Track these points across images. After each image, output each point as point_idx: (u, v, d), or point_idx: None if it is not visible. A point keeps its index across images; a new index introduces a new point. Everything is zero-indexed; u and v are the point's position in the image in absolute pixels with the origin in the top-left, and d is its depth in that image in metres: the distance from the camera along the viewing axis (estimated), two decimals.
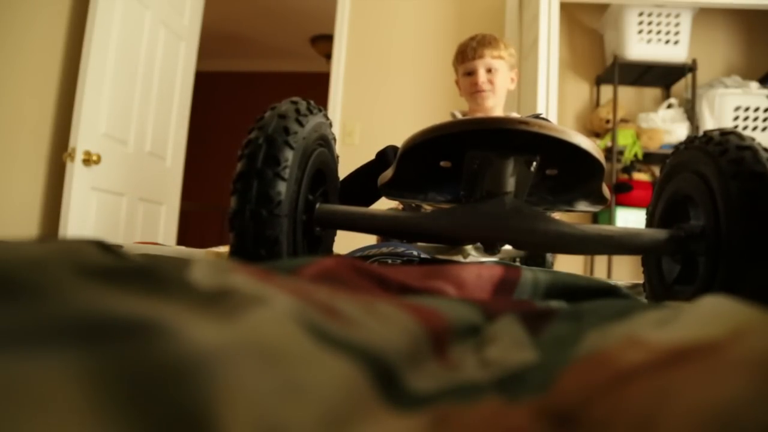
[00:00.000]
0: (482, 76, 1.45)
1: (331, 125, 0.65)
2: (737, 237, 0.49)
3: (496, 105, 1.49)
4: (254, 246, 0.50)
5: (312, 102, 0.59)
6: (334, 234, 0.70)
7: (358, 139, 2.54)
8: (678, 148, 0.62)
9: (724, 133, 0.54)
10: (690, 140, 0.59)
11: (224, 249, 1.16)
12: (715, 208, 0.52)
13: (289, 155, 0.51)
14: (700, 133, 0.59)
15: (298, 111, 0.55)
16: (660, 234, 0.58)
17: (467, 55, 1.48)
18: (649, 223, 0.68)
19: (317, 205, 0.59)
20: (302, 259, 0.40)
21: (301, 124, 0.54)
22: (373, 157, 1.09)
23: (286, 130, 0.52)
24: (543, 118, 0.61)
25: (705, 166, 0.54)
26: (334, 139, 0.67)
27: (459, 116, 1.53)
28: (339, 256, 0.65)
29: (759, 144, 0.52)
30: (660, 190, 0.65)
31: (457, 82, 1.55)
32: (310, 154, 0.57)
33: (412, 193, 0.67)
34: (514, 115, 1.54)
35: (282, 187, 0.50)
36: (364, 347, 0.22)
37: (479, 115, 1.50)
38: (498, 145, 0.54)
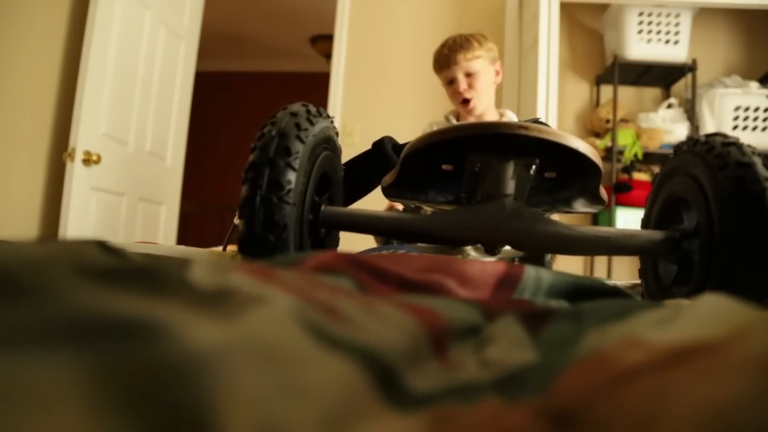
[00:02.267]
0: (462, 83, 1.40)
1: (337, 134, 0.67)
2: (728, 226, 0.50)
3: (487, 107, 1.45)
4: (263, 231, 0.51)
5: (321, 107, 0.62)
6: (338, 238, 0.72)
7: (358, 139, 2.54)
8: (668, 157, 0.64)
9: (710, 134, 0.56)
10: (678, 147, 0.62)
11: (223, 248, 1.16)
12: (707, 202, 0.54)
13: (299, 148, 0.54)
14: (699, 133, 0.61)
15: (308, 111, 0.58)
16: (656, 235, 0.60)
17: (442, 64, 1.42)
18: (644, 229, 0.69)
19: (323, 207, 0.60)
20: (300, 254, 0.41)
21: (312, 123, 0.57)
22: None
23: (298, 126, 0.55)
24: (542, 123, 0.62)
25: (694, 166, 0.56)
26: (340, 150, 0.69)
27: (453, 121, 1.50)
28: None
29: (743, 142, 0.54)
30: (653, 197, 0.67)
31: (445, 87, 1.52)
32: (318, 155, 0.59)
33: (414, 194, 0.69)
34: (509, 113, 1.52)
35: (292, 176, 0.53)
36: (364, 347, 0.22)
37: (471, 119, 1.46)
38: (498, 148, 0.56)
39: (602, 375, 0.21)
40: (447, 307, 0.32)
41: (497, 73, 1.46)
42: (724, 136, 0.55)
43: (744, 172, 0.50)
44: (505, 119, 1.50)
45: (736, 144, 0.53)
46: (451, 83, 1.43)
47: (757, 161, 0.51)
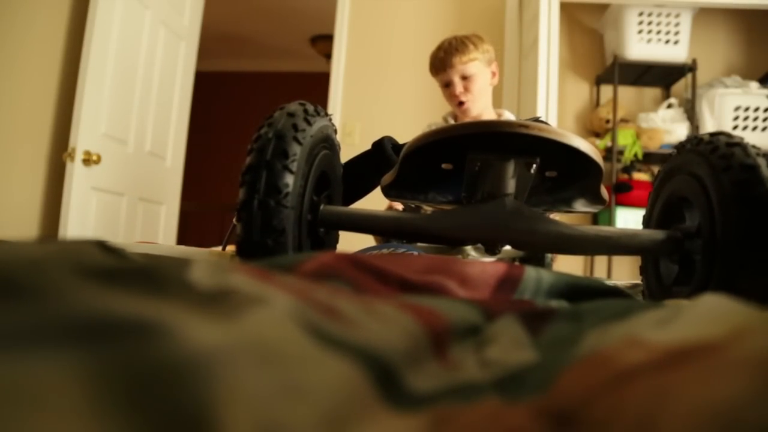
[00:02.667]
0: (458, 86, 1.39)
1: (336, 131, 0.66)
2: (731, 228, 0.50)
3: (484, 108, 1.45)
4: (261, 236, 0.51)
5: (319, 106, 0.61)
6: (337, 237, 0.72)
7: (358, 139, 2.54)
8: (670, 155, 0.63)
9: (714, 134, 0.55)
10: (681, 145, 0.61)
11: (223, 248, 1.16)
12: (709, 203, 0.53)
13: (297, 150, 0.53)
14: (700, 133, 0.61)
15: (306, 111, 0.57)
16: (658, 235, 0.59)
17: (438, 67, 1.41)
18: (646, 228, 0.68)
19: (322, 207, 0.60)
20: (300, 255, 0.41)
21: (309, 123, 0.56)
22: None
23: (295, 126, 0.54)
24: (542, 121, 0.62)
25: (697, 166, 0.56)
26: (339, 147, 0.68)
27: (451, 122, 1.50)
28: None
29: (747, 142, 0.53)
30: (655, 196, 0.67)
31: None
32: (316, 154, 0.59)
33: (414, 194, 0.69)
34: (507, 113, 1.52)
35: (290, 179, 0.52)
36: (364, 347, 0.22)
37: (467, 120, 1.45)
38: (498, 147, 0.56)
39: (602, 375, 0.21)
40: (447, 308, 0.32)
41: (494, 74, 1.46)
42: (729, 135, 0.54)
43: (748, 175, 0.50)
44: (503, 119, 1.50)
45: (741, 144, 0.53)
46: (447, 86, 1.42)
47: (762, 163, 0.50)
